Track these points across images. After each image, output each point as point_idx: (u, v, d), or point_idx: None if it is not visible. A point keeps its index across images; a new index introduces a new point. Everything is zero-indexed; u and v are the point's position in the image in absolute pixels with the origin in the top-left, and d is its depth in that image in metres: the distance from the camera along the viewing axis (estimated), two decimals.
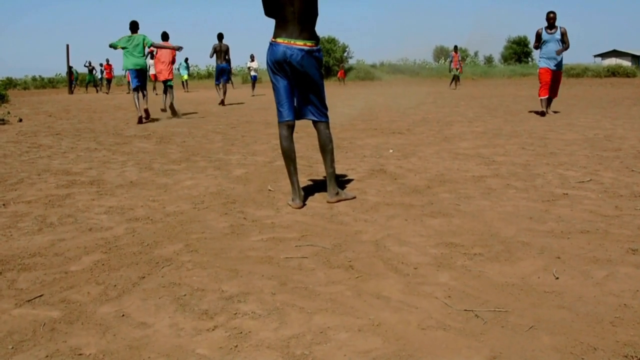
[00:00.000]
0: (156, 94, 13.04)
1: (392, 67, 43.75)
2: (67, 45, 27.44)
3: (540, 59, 9.69)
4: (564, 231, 2.85)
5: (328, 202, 3.58)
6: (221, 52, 13.89)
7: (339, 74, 34.17)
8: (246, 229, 3.01)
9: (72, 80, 28.21)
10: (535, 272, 2.29)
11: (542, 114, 9.58)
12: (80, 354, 1.68)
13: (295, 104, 3.52)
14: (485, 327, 1.82)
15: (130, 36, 9.64)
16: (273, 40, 3.37)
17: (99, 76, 29.65)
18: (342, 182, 4.19)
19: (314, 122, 3.56)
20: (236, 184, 4.22)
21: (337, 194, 3.61)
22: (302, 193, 3.58)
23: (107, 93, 26.07)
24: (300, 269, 2.38)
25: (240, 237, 2.86)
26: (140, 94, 9.77)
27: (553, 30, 9.46)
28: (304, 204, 3.52)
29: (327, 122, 3.57)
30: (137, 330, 1.83)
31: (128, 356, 1.66)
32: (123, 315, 1.95)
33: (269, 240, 2.80)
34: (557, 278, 2.23)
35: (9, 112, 11.10)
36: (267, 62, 3.43)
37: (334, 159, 3.60)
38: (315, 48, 3.38)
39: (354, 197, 3.67)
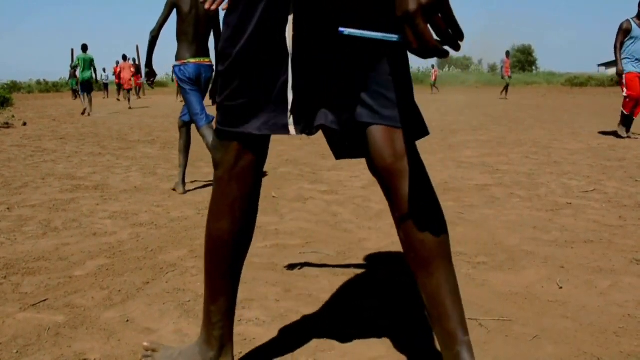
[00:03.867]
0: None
1: None
2: (72, 50, 27.44)
3: (627, 61, 7.28)
4: (568, 241, 2.85)
5: None
6: None
7: None
8: None
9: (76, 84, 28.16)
10: (539, 282, 2.29)
11: (622, 134, 7.36)
12: (85, 359, 1.68)
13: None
14: (489, 336, 1.81)
15: (83, 55, 13.79)
16: (183, 61, 3.95)
17: (107, 81, 28.32)
18: (345, 189, 4.19)
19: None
20: None
21: None
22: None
23: (118, 99, 23.01)
24: (305, 276, 2.38)
25: None
26: (86, 97, 13.70)
27: None
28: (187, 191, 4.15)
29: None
30: (142, 336, 1.83)
31: None
32: (127, 320, 1.95)
33: (273, 246, 2.81)
34: (561, 288, 2.22)
35: (13, 116, 11.16)
36: (182, 79, 3.95)
37: None
38: (212, 63, 4.10)
39: None
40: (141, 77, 23.29)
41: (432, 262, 1.23)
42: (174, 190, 4.19)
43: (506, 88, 20.75)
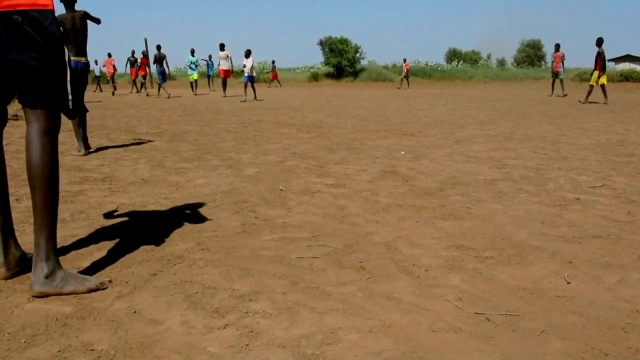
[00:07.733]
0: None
1: None
2: None
3: None
4: (576, 236, 2.84)
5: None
6: (160, 59, 19.31)
7: (271, 76, 31.79)
8: (257, 228, 3.02)
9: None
10: (547, 277, 2.28)
11: None
12: (92, 350, 1.69)
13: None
14: (496, 330, 1.81)
15: None
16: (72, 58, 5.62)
17: (97, 74, 27.64)
18: (352, 183, 4.19)
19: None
20: (248, 183, 4.23)
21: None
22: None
23: (113, 92, 23.36)
24: (312, 269, 2.38)
25: (251, 236, 2.87)
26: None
27: None
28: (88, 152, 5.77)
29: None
30: (149, 327, 1.84)
31: (139, 353, 1.68)
32: (135, 312, 1.96)
33: (280, 239, 2.81)
34: (569, 283, 2.21)
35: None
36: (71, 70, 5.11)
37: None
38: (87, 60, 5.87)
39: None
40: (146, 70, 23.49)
41: (33, 188, 2.19)
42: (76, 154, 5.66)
43: (560, 83, 18.02)
